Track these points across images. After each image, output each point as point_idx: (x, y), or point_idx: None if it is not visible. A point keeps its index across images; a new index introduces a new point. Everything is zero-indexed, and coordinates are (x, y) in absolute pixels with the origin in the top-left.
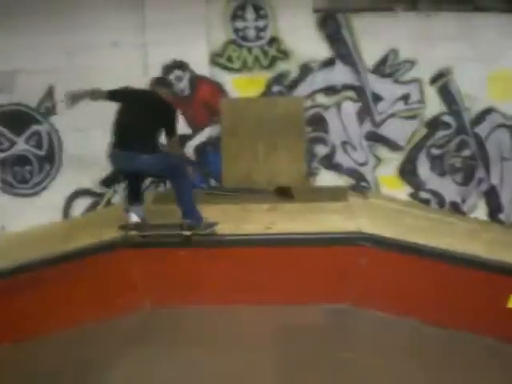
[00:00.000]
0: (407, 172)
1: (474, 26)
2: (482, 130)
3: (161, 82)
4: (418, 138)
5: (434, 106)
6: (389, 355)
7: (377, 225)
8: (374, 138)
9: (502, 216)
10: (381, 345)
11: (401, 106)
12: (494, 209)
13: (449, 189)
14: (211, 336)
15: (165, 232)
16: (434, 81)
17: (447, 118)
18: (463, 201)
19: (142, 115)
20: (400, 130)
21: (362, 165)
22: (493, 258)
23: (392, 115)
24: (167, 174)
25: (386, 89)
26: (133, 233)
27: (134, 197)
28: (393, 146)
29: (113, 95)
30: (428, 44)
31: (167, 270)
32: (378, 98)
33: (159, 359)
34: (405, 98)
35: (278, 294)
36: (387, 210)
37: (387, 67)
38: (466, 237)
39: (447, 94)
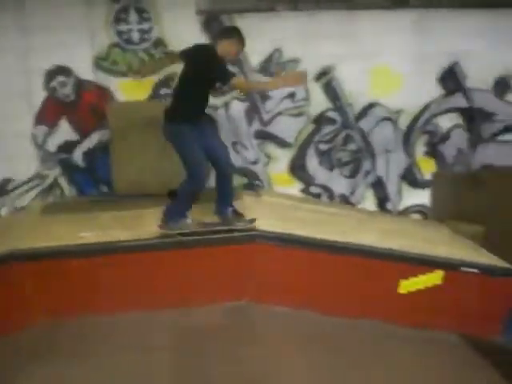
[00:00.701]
0: (297, 168)
1: (355, 24)
2: (366, 124)
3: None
4: (306, 135)
5: (319, 102)
6: (289, 348)
7: (270, 221)
8: (263, 136)
9: (389, 205)
10: (281, 338)
11: (287, 103)
12: (382, 199)
13: (337, 182)
14: (109, 343)
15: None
16: (318, 78)
17: (332, 114)
18: (352, 193)
19: None
20: (288, 128)
21: (254, 163)
22: (384, 246)
23: (279, 113)
24: None
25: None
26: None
27: None
28: (282, 143)
29: None
30: (311, 42)
31: (62, 282)
32: (265, 97)
33: (58, 371)
34: (291, 96)
35: (177, 296)
36: (280, 207)
37: (272, 67)
38: (357, 227)
39: (331, 91)
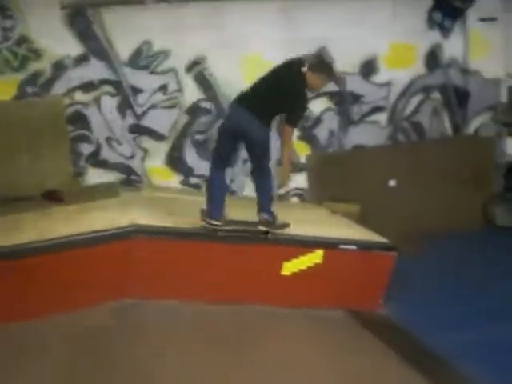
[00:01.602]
0: (175, 160)
1: (223, 14)
2: None
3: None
4: (181, 126)
5: (192, 93)
6: (174, 343)
7: (150, 216)
8: (138, 130)
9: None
10: (173, 333)
11: (160, 96)
12: None
13: None
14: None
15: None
16: (189, 69)
17: (206, 104)
18: (232, 181)
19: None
20: (162, 120)
21: (130, 158)
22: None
23: (153, 106)
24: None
25: (144, 81)
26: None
27: None
28: (157, 136)
29: None
30: (181, 34)
31: None
32: (137, 91)
33: None
34: (163, 88)
35: (64, 300)
36: (159, 200)
37: (142, 59)
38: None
39: (203, 81)
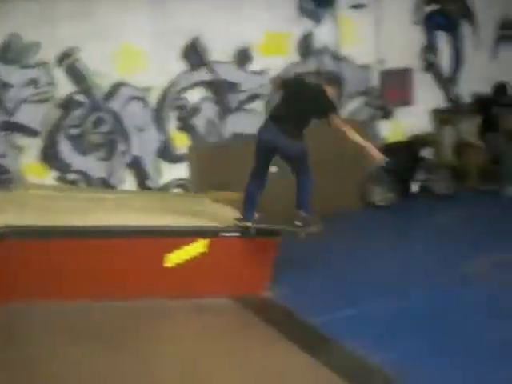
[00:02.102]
0: (50, 156)
1: (93, 5)
2: (115, 104)
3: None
4: (54, 121)
5: (64, 86)
6: (63, 345)
7: (24, 216)
8: (9, 127)
9: (149, 183)
10: (54, 336)
11: (30, 90)
12: (141, 178)
13: (94, 166)
14: None
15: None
16: (60, 61)
17: (79, 97)
18: (110, 175)
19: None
20: (34, 115)
21: (2, 157)
22: (147, 223)
23: (24, 101)
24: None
25: (13, 75)
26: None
27: None
28: (29, 132)
29: None
30: (50, 25)
31: None
32: (6, 86)
33: None
34: (34, 82)
35: None
36: (35, 199)
37: (11, 53)
38: (117, 209)
39: (76, 74)
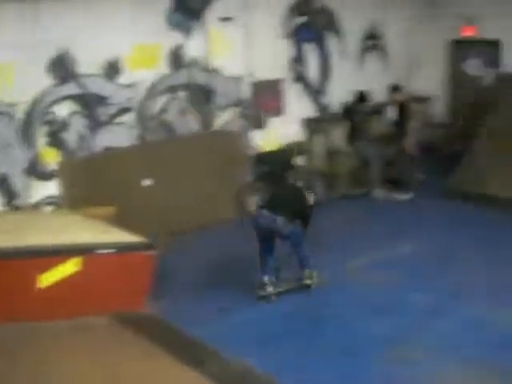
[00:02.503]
0: None
1: None
2: None
3: None
4: None
5: None
6: None
7: None
8: None
9: (18, 202)
10: None
11: None
12: (10, 196)
13: None
14: None
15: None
16: None
17: None
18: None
19: None
20: None
21: None
22: (16, 244)
23: None
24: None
25: None
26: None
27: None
28: None
29: None
30: None
31: None
32: None
33: None
34: None
35: None
36: None
37: None
38: None
39: None
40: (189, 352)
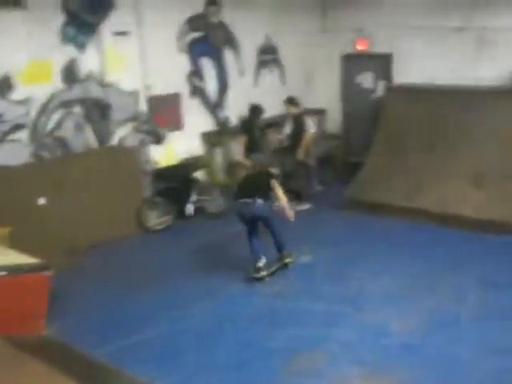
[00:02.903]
0: None
1: None
2: None
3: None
4: None
5: None
6: None
7: None
8: None
9: None
10: None
11: None
12: None
13: None
14: None
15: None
16: None
17: None
18: None
19: None
20: None
21: None
22: None
23: None
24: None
25: None
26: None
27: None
28: None
29: None
30: None
31: None
32: None
33: None
34: None
35: None
36: None
37: None
38: None
39: None
40: (89, 374)
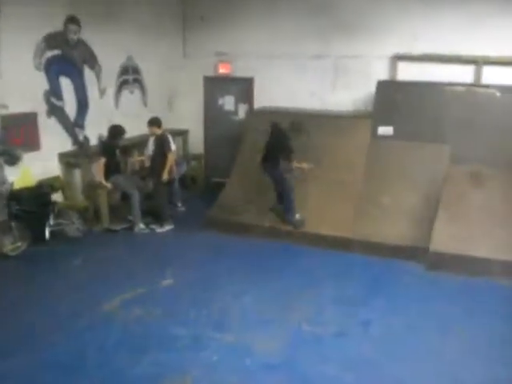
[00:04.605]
0: None
1: None
2: None
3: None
4: None
5: None
6: None
7: None
8: None
9: None
10: None
11: None
12: None
13: None
14: None
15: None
16: None
17: None
18: None
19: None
20: None
21: None
22: None
23: None
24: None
25: None
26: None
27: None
28: None
29: None
30: None
31: None
32: None
33: None
34: None
35: None
36: None
37: None
38: None
39: None
40: None
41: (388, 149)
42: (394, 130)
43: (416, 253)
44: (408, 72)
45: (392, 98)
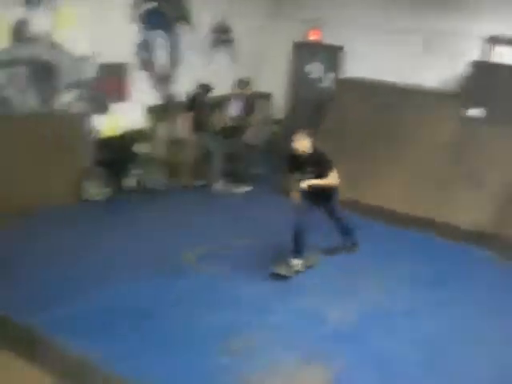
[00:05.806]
0: None
1: None
2: None
3: None
4: None
5: None
6: None
7: None
8: None
9: None
10: None
11: None
12: None
13: None
14: None
15: None
16: None
17: None
18: None
19: None
20: None
21: None
22: None
23: None
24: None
25: None
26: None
27: None
28: None
29: None
30: None
31: None
32: None
33: None
34: None
35: None
36: None
37: None
38: None
39: None
40: (24, 344)
41: (476, 131)
42: (485, 113)
43: (497, 241)
44: (503, 55)
45: (486, 80)
